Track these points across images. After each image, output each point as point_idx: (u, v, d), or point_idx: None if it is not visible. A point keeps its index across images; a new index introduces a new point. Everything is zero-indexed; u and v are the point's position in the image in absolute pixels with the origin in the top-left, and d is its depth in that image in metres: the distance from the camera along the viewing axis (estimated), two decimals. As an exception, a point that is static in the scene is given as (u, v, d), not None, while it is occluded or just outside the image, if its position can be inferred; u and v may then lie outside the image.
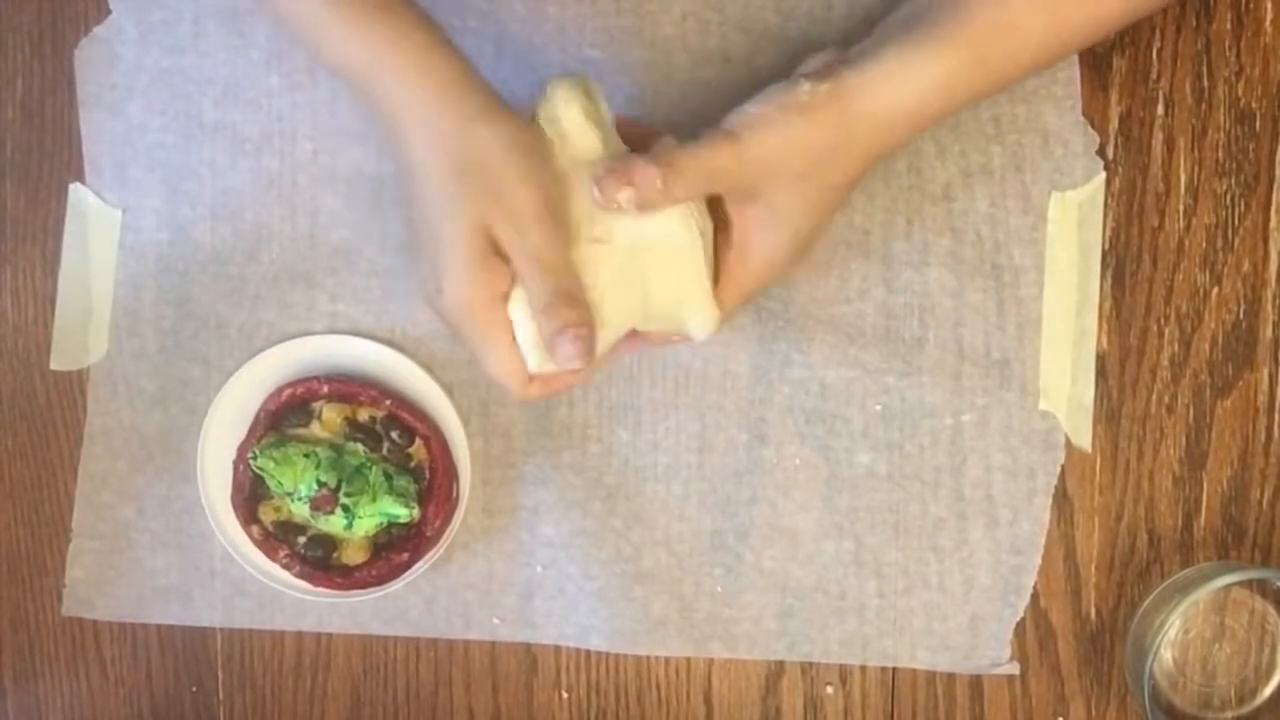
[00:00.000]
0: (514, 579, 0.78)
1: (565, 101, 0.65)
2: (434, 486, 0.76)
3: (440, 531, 0.76)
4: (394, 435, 0.76)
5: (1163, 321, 0.75)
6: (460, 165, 0.63)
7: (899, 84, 0.64)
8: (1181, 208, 0.75)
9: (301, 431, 0.76)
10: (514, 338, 0.64)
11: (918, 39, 0.64)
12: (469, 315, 0.64)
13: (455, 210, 0.63)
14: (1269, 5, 0.75)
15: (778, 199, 0.64)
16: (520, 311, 0.64)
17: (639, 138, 0.67)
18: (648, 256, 0.65)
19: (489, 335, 0.64)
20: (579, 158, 0.65)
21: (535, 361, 0.64)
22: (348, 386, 0.76)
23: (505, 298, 0.64)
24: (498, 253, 0.63)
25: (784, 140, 0.63)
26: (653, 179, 0.62)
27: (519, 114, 0.65)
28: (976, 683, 0.77)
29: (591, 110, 0.65)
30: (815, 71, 0.65)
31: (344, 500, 0.74)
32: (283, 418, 0.76)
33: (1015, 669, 0.76)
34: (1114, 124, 0.75)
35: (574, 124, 0.64)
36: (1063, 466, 0.76)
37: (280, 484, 0.74)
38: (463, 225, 0.62)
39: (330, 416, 0.76)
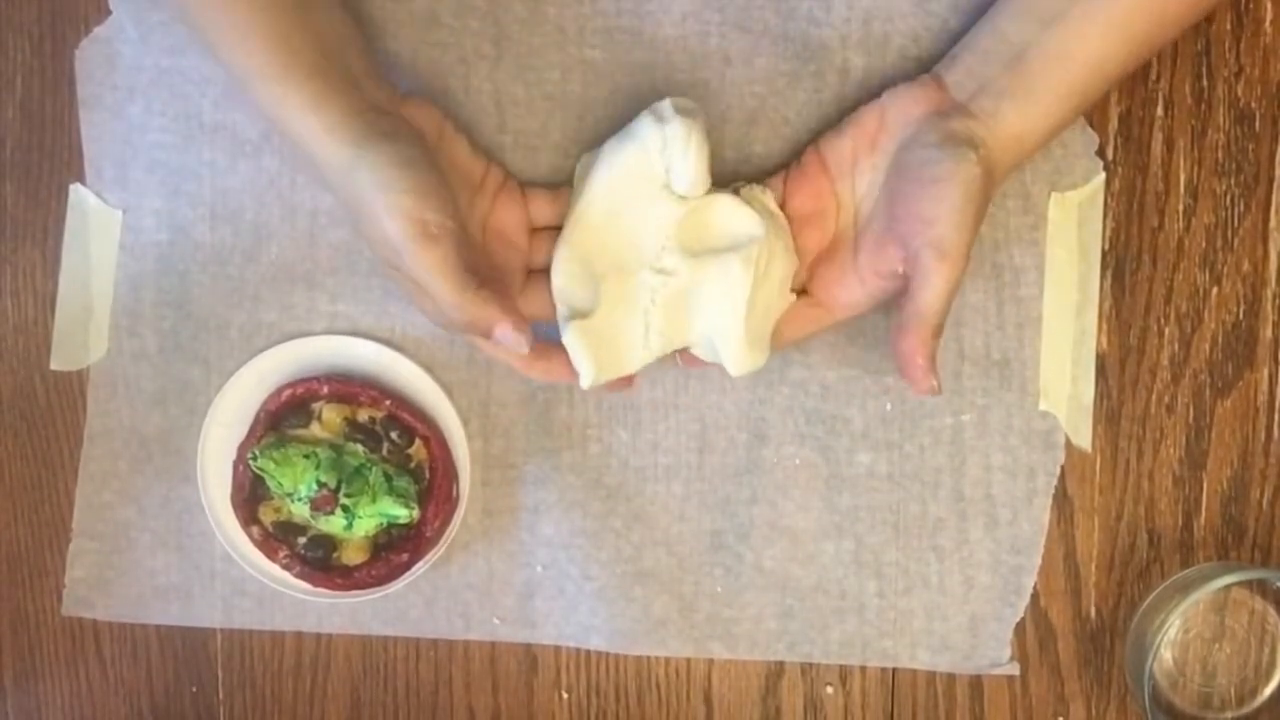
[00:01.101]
0: (514, 579, 0.78)
1: (688, 144, 0.68)
2: (434, 487, 0.76)
3: (440, 532, 0.76)
4: (394, 436, 0.76)
5: (1163, 321, 0.75)
6: (348, 206, 0.68)
7: (1026, 141, 0.68)
8: (1181, 208, 0.75)
9: (301, 432, 0.76)
10: (450, 268, 0.66)
11: (1033, 96, 0.67)
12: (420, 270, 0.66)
13: (366, 232, 0.68)
14: (1269, 5, 0.75)
15: (946, 247, 0.66)
16: (572, 337, 0.68)
17: None
18: (704, 289, 0.69)
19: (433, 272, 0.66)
20: (674, 189, 0.69)
21: (589, 378, 0.68)
22: (347, 387, 0.76)
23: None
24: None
25: (961, 221, 0.66)
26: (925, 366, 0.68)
27: (398, 137, 0.67)
28: (976, 683, 0.77)
29: (704, 151, 0.68)
30: (952, 136, 0.67)
31: (344, 500, 0.74)
32: (283, 418, 0.76)
33: (1015, 669, 0.76)
34: (1113, 124, 0.75)
35: (689, 166, 0.68)
36: (1063, 466, 0.76)
37: (280, 484, 0.74)
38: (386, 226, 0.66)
39: (330, 417, 0.76)
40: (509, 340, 0.66)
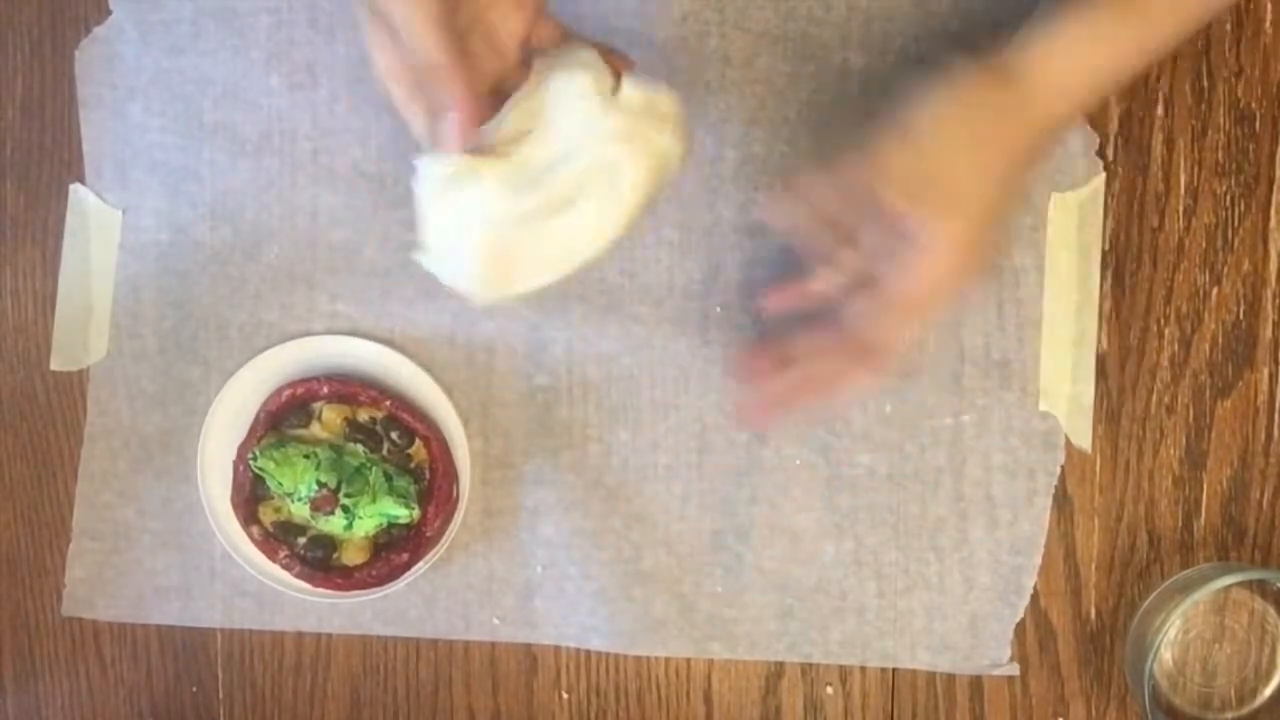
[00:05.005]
0: (514, 579, 0.78)
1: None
2: (434, 487, 0.76)
3: (440, 532, 0.76)
4: (394, 436, 0.76)
5: (1163, 321, 0.75)
6: None
7: (1060, 52, 0.62)
8: (1181, 208, 0.75)
9: (301, 432, 0.76)
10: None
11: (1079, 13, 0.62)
12: None
13: None
14: (1269, 5, 0.75)
15: (953, 178, 0.61)
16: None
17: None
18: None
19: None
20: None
21: (478, 289, 0.64)
22: (348, 387, 0.76)
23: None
24: None
25: (942, 103, 0.61)
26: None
27: None
28: (976, 683, 0.77)
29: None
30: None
31: (344, 501, 0.74)
32: (283, 418, 0.76)
33: (1015, 669, 0.76)
34: (1114, 124, 0.75)
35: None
36: (1063, 466, 0.76)
37: (280, 484, 0.74)
38: None
39: (330, 417, 0.76)
40: (450, 131, 0.60)
